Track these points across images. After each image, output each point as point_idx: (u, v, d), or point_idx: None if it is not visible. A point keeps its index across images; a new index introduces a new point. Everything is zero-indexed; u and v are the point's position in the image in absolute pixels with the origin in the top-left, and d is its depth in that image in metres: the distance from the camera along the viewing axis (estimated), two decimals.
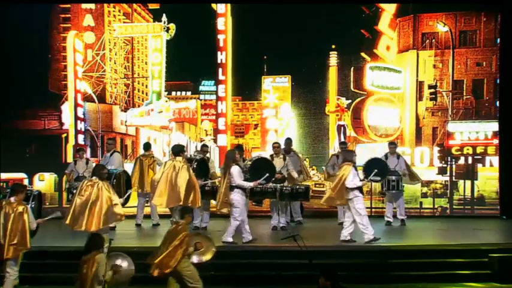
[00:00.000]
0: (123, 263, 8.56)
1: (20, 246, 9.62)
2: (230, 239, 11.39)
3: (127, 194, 11.63)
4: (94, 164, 14.03)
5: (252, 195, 12.68)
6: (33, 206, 10.97)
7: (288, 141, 14.49)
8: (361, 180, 11.81)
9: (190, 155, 14.01)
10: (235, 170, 11.39)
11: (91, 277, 7.97)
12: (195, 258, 9.06)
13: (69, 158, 30.12)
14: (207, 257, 9.24)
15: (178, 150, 11.74)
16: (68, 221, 10.52)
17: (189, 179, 11.18)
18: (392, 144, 15.13)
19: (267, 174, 12.14)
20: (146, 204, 15.18)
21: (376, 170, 12.60)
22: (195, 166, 12.33)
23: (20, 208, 9.75)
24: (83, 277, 8.03)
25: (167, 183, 11.22)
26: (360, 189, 11.73)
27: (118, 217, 10.45)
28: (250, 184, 11.60)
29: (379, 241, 11.58)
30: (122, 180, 12.45)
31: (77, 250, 11.17)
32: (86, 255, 8.22)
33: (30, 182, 30.62)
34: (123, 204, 11.24)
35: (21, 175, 30.67)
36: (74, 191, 13.58)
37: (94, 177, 10.67)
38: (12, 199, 9.89)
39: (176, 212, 11.28)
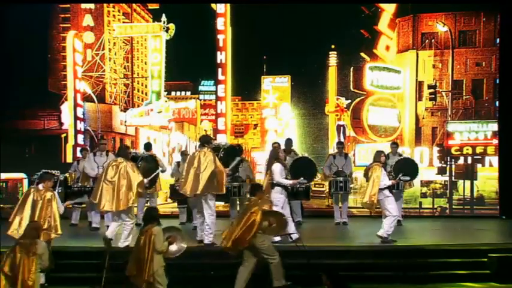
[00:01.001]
0: (178, 235, 9.02)
1: (50, 231, 9.87)
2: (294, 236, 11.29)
3: (154, 174, 11.67)
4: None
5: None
6: (59, 191, 11.43)
7: (288, 141, 14.47)
8: (390, 180, 11.87)
9: (218, 144, 13.99)
10: (276, 167, 11.41)
11: (147, 248, 8.41)
12: (267, 234, 9.45)
13: (69, 158, 30.13)
14: (280, 232, 9.83)
15: (204, 141, 11.74)
16: (97, 201, 11.02)
17: (213, 170, 11.17)
18: (394, 145, 15.18)
19: (302, 178, 12.03)
20: (146, 204, 15.18)
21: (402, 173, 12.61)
22: (221, 155, 12.25)
23: (48, 195, 10.04)
24: (140, 248, 8.48)
25: (192, 172, 11.24)
26: (389, 189, 11.79)
27: (140, 195, 10.93)
28: (289, 182, 11.57)
29: (375, 242, 11.63)
30: (148, 162, 12.46)
31: (84, 251, 11.28)
32: (143, 228, 8.69)
33: (30, 182, 30.62)
34: (150, 184, 11.75)
35: (20, 175, 30.67)
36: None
37: (119, 158, 11.01)
38: (40, 186, 10.18)
39: (196, 201, 11.84)
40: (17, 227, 9.87)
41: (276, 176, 11.37)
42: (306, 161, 12.81)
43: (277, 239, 11.10)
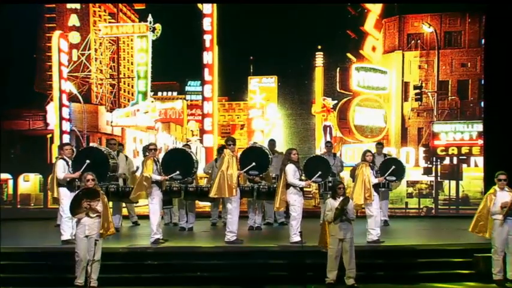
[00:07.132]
0: None
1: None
2: (297, 238, 11.25)
3: (175, 173, 11.63)
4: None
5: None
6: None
7: (272, 141, 14.46)
8: (376, 178, 11.87)
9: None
10: (289, 168, 11.39)
11: None
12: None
13: (54, 159, 29.93)
14: None
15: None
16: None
17: (222, 171, 11.27)
18: (379, 145, 15.16)
19: (320, 173, 12.00)
20: (123, 206, 15.00)
21: (393, 167, 12.53)
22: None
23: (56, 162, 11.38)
24: None
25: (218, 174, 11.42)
26: (376, 187, 11.78)
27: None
28: (302, 183, 11.55)
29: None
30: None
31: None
32: None
33: (15, 183, 30.46)
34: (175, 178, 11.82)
35: (5, 176, 30.47)
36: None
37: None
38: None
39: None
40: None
41: (289, 177, 11.36)
42: (317, 160, 12.71)
43: (297, 239, 11.09)
